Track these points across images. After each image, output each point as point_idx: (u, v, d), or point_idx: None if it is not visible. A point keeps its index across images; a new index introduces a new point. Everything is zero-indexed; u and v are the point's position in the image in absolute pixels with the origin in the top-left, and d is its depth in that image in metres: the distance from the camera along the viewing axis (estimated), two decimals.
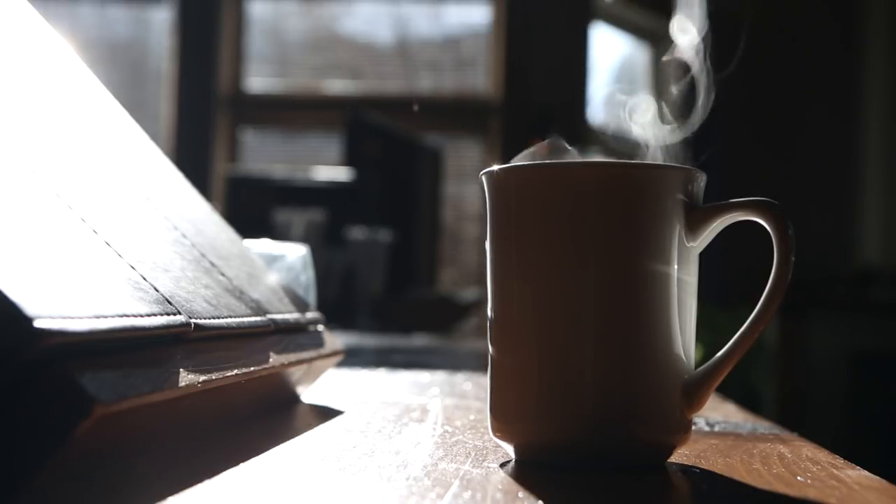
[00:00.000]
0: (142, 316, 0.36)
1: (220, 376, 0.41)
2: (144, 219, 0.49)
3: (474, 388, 0.72)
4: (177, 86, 3.51)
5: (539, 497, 0.34)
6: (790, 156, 3.41)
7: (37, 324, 0.29)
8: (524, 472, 0.39)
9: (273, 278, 0.63)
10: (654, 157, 0.46)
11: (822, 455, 0.45)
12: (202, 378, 0.39)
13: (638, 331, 0.40)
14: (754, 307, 0.41)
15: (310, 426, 0.50)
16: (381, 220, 2.28)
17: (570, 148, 0.46)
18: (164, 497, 0.32)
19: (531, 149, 0.45)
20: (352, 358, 0.91)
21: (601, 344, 0.40)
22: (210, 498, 0.32)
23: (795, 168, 3.45)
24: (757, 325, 0.41)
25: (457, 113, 3.61)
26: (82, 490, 0.32)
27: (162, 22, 3.61)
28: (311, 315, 0.63)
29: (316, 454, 0.42)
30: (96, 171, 0.49)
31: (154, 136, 0.65)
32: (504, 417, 0.42)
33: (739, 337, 0.41)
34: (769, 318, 0.41)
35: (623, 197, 0.40)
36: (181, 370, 0.38)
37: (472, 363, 1.01)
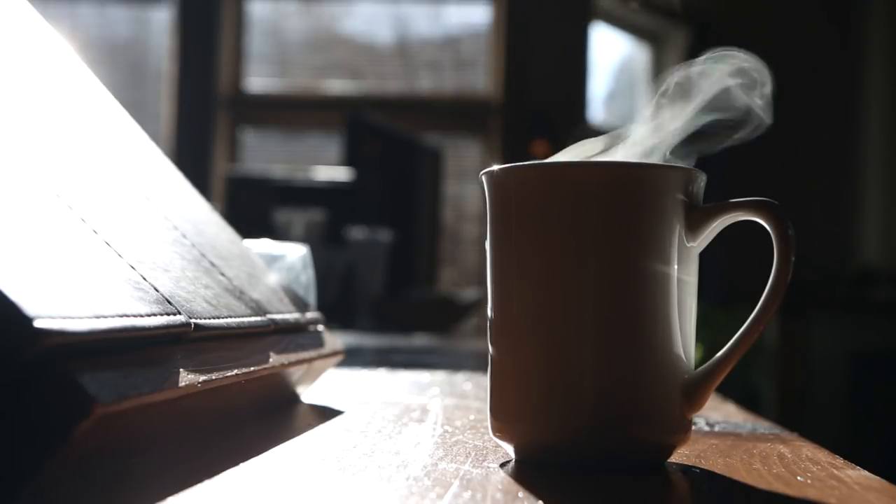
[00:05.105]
0: (142, 316, 0.36)
1: (220, 376, 0.41)
2: (144, 219, 0.49)
3: (474, 388, 0.72)
4: (177, 86, 3.51)
5: (539, 497, 0.34)
6: (790, 156, 3.41)
7: (37, 324, 0.29)
8: (524, 472, 0.39)
9: (273, 278, 0.63)
10: (655, 157, 0.46)
11: (822, 455, 0.45)
12: (202, 378, 0.39)
13: (638, 331, 0.40)
14: (754, 307, 0.41)
15: (310, 426, 0.50)
16: (381, 220, 2.28)
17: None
18: (163, 497, 0.32)
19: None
20: (352, 358, 0.91)
21: (601, 344, 0.40)
22: (210, 498, 0.32)
23: (795, 168, 3.45)
24: (757, 325, 0.41)
25: (457, 113, 3.61)
26: (82, 490, 0.32)
27: (162, 22, 3.61)
28: (311, 315, 0.63)
29: (316, 454, 0.42)
30: (96, 172, 0.49)
31: (154, 136, 0.65)
32: (504, 417, 0.42)
33: (739, 337, 0.41)
34: (769, 318, 0.41)
35: (623, 197, 0.40)
36: (181, 370, 0.38)
37: (472, 363, 1.01)
